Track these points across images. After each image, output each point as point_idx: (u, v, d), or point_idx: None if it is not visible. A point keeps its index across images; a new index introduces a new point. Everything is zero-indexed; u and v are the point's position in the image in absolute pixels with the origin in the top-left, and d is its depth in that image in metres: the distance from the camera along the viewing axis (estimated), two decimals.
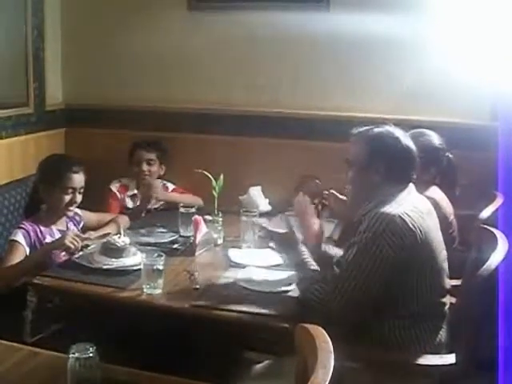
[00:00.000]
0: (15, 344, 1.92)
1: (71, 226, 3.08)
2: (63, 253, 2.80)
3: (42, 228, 2.92)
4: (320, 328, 1.58)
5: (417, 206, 2.22)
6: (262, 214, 3.26)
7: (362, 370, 2.09)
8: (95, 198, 3.67)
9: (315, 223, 2.60)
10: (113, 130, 4.19)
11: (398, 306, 2.17)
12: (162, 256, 2.42)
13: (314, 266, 2.29)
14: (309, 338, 1.54)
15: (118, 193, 3.78)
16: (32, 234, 2.86)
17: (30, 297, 2.58)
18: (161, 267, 2.39)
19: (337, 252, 2.63)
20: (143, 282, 2.39)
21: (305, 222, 2.62)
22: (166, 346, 2.54)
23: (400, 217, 2.11)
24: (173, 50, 4.04)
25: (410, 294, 2.16)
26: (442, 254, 2.27)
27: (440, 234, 2.30)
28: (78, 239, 2.73)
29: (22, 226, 2.87)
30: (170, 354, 2.52)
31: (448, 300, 2.31)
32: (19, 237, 2.81)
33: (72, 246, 2.70)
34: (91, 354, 1.51)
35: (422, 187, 2.87)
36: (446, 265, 2.29)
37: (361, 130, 2.36)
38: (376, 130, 2.33)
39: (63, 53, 4.27)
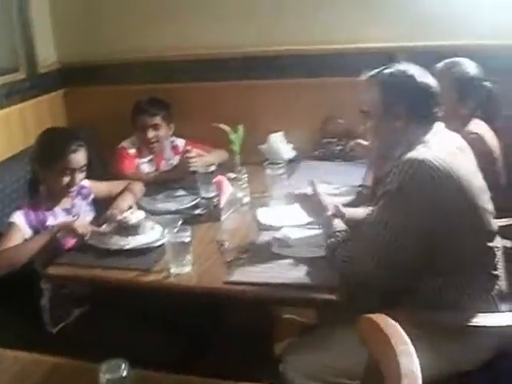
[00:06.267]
0: (41, 356, 1.77)
1: (78, 201, 2.81)
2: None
3: (44, 210, 2.66)
4: (385, 316, 1.40)
5: (446, 146, 2.02)
6: (288, 162, 3.15)
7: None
8: (105, 160, 3.50)
9: (331, 208, 2.28)
10: (115, 86, 3.94)
11: (442, 260, 1.96)
12: (187, 229, 2.19)
13: (341, 227, 2.11)
14: (375, 330, 1.37)
15: (132, 152, 3.50)
16: (33, 216, 2.61)
17: (43, 284, 2.47)
18: (187, 239, 2.16)
19: (362, 212, 2.40)
20: (169, 261, 2.16)
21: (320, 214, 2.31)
22: (197, 326, 2.37)
23: (429, 161, 1.91)
24: None
25: (452, 244, 1.95)
26: (484, 194, 2.05)
27: (479, 174, 2.08)
28: (88, 227, 2.51)
29: (21, 207, 2.62)
30: (202, 335, 2.35)
31: (500, 243, 2.08)
32: (17, 218, 2.56)
33: (80, 232, 2.47)
34: (124, 374, 1.30)
35: (461, 122, 2.65)
36: (490, 206, 2.06)
37: (370, 74, 2.14)
38: (386, 71, 2.11)
39: (51, 9, 3.97)
